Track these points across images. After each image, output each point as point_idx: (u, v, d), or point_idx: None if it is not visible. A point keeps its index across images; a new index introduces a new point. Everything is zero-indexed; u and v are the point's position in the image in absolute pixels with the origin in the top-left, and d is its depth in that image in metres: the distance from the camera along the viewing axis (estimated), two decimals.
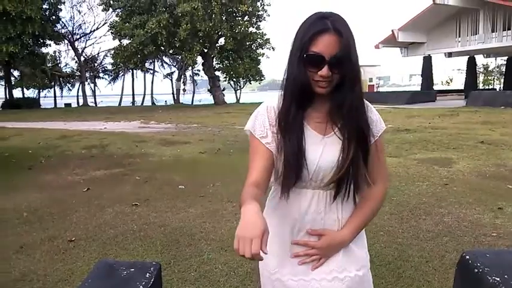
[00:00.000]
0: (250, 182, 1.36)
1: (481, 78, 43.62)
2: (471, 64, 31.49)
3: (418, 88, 33.71)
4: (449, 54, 31.42)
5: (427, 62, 30.49)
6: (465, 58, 31.72)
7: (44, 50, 35.84)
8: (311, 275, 1.46)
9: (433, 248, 3.71)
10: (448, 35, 28.65)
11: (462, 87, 32.49)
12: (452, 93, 32.53)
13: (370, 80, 34.40)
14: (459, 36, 28.16)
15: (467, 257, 1.21)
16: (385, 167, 1.56)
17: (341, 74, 1.30)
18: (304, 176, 1.40)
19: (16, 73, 39.08)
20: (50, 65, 41.16)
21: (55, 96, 44.04)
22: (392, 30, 28.90)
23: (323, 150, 1.40)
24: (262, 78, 35.46)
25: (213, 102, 33.34)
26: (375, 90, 33.84)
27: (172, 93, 44.82)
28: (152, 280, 1.29)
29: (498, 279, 1.05)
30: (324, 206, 1.45)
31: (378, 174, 1.50)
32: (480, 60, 37.10)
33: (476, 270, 1.13)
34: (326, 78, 1.29)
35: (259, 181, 1.37)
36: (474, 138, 9.68)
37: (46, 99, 43.78)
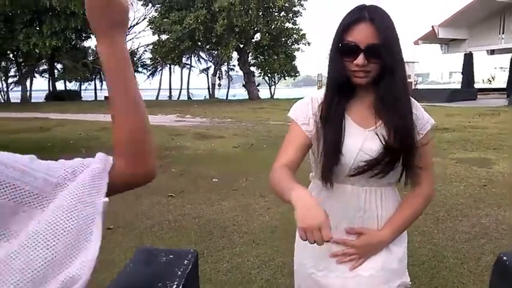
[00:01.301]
0: (283, 162, 1.35)
1: None
2: None
3: (458, 86, 32.64)
4: (492, 52, 30.21)
5: (468, 59, 29.44)
6: (509, 56, 30.42)
7: (85, 44, 36.95)
8: (348, 273, 1.44)
9: (469, 249, 3.63)
10: (492, 31, 27.55)
11: (504, 86, 31.22)
12: (494, 92, 31.31)
13: (409, 77, 33.63)
14: (503, 33, 27.01)
15: (505, 258, 1.20)
16: (430, 169, 1.50)
17: (379, 63, 1.29)
18: (342, 169, 1.38)
19: (59, 66, 40.46)
20: (91, 58, 42.39)
21: (95, 89, 45.30)
22: (432, 26, 28.05)
23: (363, 143, 1.37)
24: (297, 74, 35.30)
25: (247, 97, 33.46)
26: (413, 88, 33.02)
27: (208, 88, 45.20)
28: (190, 267, 1.35)
29: None
30: (363, 203, 1.43)
31: (423, 176, 1.46)
32: None
33: None
34: (362, 67, 1.29)
35: (291, 164, 1.35)
36: None
37: (87, 92, 45.11)
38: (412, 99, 1.43)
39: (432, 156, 1.51)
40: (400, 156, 1.37)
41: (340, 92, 1.37)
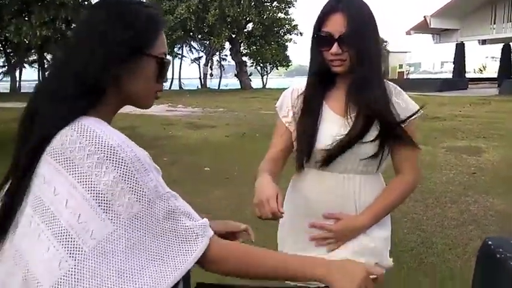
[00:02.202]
0: (268, 157, 1.49)
1: None
2: (506, 52, 30.29)
3: (450, 75, 32.78)
4: (483, 42, 30.35)
5: (460, 49, 29.54)
6: (500, 46, 30.58)
7: None
8: (324, 254, 1.44)
9: (457, 236, 3.69)
10: (483, 21, 27.64)
11: (495, 76, 31.41)
12: (485, 82, 31.49)
13: (400, 66, 33.59)
14: (494, 23, 27.13)
15: (490, 242, 1.21)
16: (414, 158, 1.51)
17: (353, 52, 1.33)
18: (317, 155, 1.42)
19: (49, 57, 39.99)
20: None
21: None
22: (424, 17, 28.08)
23: (338, 130, 1.40)
24: (289, 63, 35.23)
25: (239, 87, 33.36)
26: (405, 77, 33.07)
27: (200, 78, 44.98)
28: None
29: None
30: (341, 189, 1.45)
31: (405, 164, 1.47)
32: None
33: (498, 256, 1.13)
34: (337, 56, 1.33)
35: (275, 157, 1.49)
36: (505, 128, 9.42)
37: None
38: (398, 88, 1.46)
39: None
40: (371, 141, 1.39)
41: (319, 81, 1.43)
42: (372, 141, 1.38)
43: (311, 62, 1.44)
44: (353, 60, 1.34)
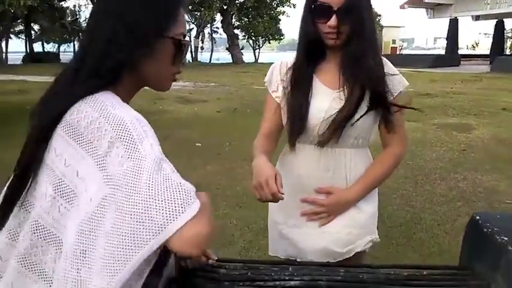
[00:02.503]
0: (261, 133, 1.48)
1: (508, 43, 41.96)
2: (499, 28, 30.23)
3: (443, 52, 32.71)
4: (477, 18, 30.18)
5: (454, 24, 29.38)
6: (493, 22, 30.46)
7: (63, 4, 35.64)
8: (316, 229, 1.47)
9: (445, 212, 3.74)
10: None
11: (488, 52, 31.42)
12: (477, 58, 31.54)
13: (393, 41, 33.47)
14: None
15: (478, 217, 1.23)
16: (402, 130, 1.51)
17: (350, 25, 1.30)
18: (309, 130, 1.40)
19: (36, 27, 39.11)
20: (69, 19, 41.03)
21: (75, 51, 43.80)
22: None
23: (330, 104, 1.39)
24: (282, 37, 34.87)
25: (231, 61, 33.04)
26: (398, 53, 32.96)
27: (190, 51, 44.41)
28: None
29: (506, 239, 1.07)
30: (332, 163, 1.45)
31: (394, 136, 1.47)
32: (509, 24, 35.65)
33: (485, 230, 1.15)
34: (334, 29, 1.29)
35: (268, 133, 1.47)
36: (496, 105, 9.48)
37: (66, 54, 43.96)
38: (385, 60, 1.44)
39: (404, 117, 1.52)
40: (364, 114, 1.38)
41: (310, 54, 1.40)
42: (364, 114, 1.38)
43: (302, 33, 1.40)
44: (348, 34, 1.31)
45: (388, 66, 1.44)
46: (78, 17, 43.54)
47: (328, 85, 1.41)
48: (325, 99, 1.39)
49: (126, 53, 0.87)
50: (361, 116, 1.37)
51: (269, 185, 1.16)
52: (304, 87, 1.40)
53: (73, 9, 42.25)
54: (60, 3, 34.08)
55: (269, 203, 1.60)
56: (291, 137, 1.44)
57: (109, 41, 0.86)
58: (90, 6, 41.51)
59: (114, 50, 0.86)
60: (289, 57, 1.48)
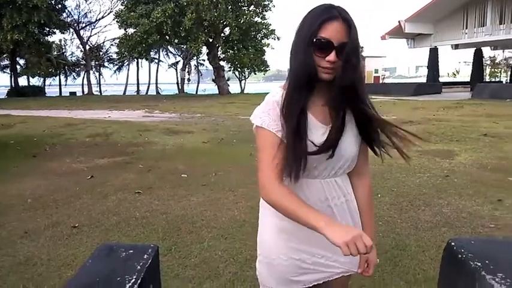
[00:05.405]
0: (276, 177, 1.37)
1: (487, 70, 43.17)
2: (478, 56, 31.18)
3: (424, 80, 33.47)
4: (456, 46, 31.09)
5: (434, 53, 30.23)
6: (472, 50, 31.41)
7: (49, 38, 35.83)
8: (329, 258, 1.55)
9: (430, 238, 3.75)
10: (455, 26, 28.36)
11: (468, 80, 32.23)
12: (458, 86, 32.30)
13: (376, 71, 34.16)
14: (466, 28, 27.85)
15: (453, 243, 1.24)
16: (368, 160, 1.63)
17: (345, 61, 1.33)
18: (309, 164, 1.42)
19: (22, 62, 39.16)
20: (55, 53, 41.24)
21: (60, 85, 44.11)
22: (399, 21, 28.62)
23: (323, 138, 1.41)
24: (267, 68, 35.31)
25: (217, 92, 33.30)
26: (381, 82, 33.61)
27: (177, 83, 44.72)
28: (150, 261, 1.34)
29: (479, 264, 1.08)
30: (334, 192, 1.51)
31: (366, 166, 1.59)
32: (487, 52, 36.77)
33: (460, 256, 1.16)
34: (332, 64, 1.33)
35: (281, 174, 1.38)
36: (478, 131, 9.66)
37: (51, 88, 43.89)
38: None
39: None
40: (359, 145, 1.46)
41: (303, 87, 1.39)
42: (352, 142, 1.46)
43: (300, 66, 1.38)
44: (340, 69, 1.35)
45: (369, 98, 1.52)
46: (64, 51, 43.84)
47: (321, 120, 1.44)
48: (320, 136, 1.41)
49: None
50: (348, 146, 1.46)
51: (366, 239, 1.14)
52: (300, 121, 1.39)
53: (59, 43, 42.62)
54: (46, 38, 34.23)
55: (266, 232, 1.61)
56: (295, 173, 1.40)
57: None
58: (76, 40, 41.95)
59: None
60: (277, 96, 1.45)
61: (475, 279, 1.05)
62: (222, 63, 33.71)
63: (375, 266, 1.63)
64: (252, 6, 30.76)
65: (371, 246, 1.13)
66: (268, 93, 1.52)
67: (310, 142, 1.39)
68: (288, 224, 1.47)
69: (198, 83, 46.49)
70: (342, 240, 1.13)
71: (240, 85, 41.52)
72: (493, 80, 41.25)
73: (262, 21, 31.53)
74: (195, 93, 40.58)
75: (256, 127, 1.44)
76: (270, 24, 31.74)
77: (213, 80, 34.79)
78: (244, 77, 41.02)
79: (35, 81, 42.39)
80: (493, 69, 46.18)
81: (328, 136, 1.40)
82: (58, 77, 43.86)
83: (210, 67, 34.85)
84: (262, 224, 1.61)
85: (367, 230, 1.56)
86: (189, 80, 43.47)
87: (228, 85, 34.01)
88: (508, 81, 33.13)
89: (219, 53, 33.12)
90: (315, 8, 1.37)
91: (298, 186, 1.44)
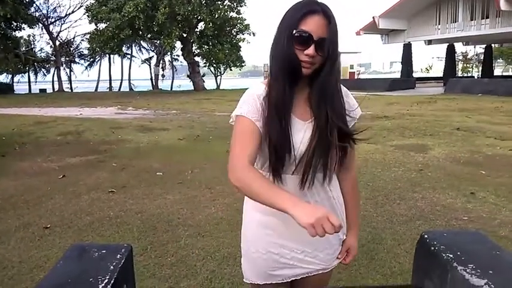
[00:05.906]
0: (248, 160, 1.33)
1: (460, 66, 44.25)
2: (450, 52, 31.91)
3: (399, 75, 34.05)
4: (429, 42, 31.74)
5: (407, 49, 30.78)
6: (445, 46, 32.11)
7: (17, 33, 34.80)
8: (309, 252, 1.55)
9: (405, 231, 3.80)
10: (428, 22, 28.94)
11: (441, 75, 32.94)
12: (431, 81, 32.99)
13: (351, 67, 34.52)
14: (439, 24, 28.46)
15: (426, 236, 1.26)
16: (354, 154, 1.61)
17: (324, 57, 1.33)
18: (290, 161, 1.41)
19: None
20: (23, 49, 40.10)
21: (29, 82, 43.00)
22: (373, 17, 29.01)
23: (303, 135, 1.41)
24: (243, 64, 35.26)
25: (192, 88, 33.06)
26: (356, 78, 34.01)
27: (151, 79, 44.22)
28: (123, 261, 1.30)
29: (451, 256, 1.10)
30: (314, 189, 1.48)
31: (352, 161, 1.57)
32: (459, 48, 37.65)
33: (432, 248, 1.18)
34: (310, 58, 1.32)
35: (252, 159, 1.35)
36: (450, 125, 9.89)
37: (20, 85, 42.73)
38: (344, 88, 1.49)
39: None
40: (334, 143, 1.41)
41: (290, 80, 1.37)
42: (335, 144, 1.43)
43: (282, 59, 1.36)
44: (319, 65, 1.34)
45: (348, 94, 1.50)
46: (33, 46, 42.67)
47: (300, 117, 1.42)
48: (300, 132, 1.41)
49: None
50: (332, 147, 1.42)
51: (333, 219, 1.08)
52: (285, 119, 1.38)
53: (27, 38, 41.45)
54: (14, 33, 33.22)
55: (249, 227, 1.60)
56: (278, 170, 1.42)
57: None
58: (46, 35, 40.90)
59: None
60: (260, 89, 1.43)
61: (447, 270, 1.07)
62: (196, 58, 33.47)
63: (354, 257, 1.66)
64: (227, 1, 30.64)
65: (339, 226, 1.08)
66: (247, 88, 1.51)
67: (295, 141, 1.40)
68: (269, 219, 1.49)
69: (173, 79, 46.06)
70: (308, 221, 1.07)
71: (216, 81, 41.35)
72: (465, 75, 42.32)
73: (237, 16, 31.46)
74: (169, 89, 40.20)
75: (236, 116, 1.41)
76: (245, 19, 31.71)
77: (188, 76, 34.50)
78: (220, 72, 40.87)
79: (3, 78, 41.22)
80: (465, 65, 47.40)
81: (312, 134, 1.40)
82: (27, 73, 42.74)
83: (185, 63, 34.54)
84: (244, 218, 1.61)
85: (351, 223, 1.62)
86: (163, 76, 43.03)
87: (204, 81, 33.83)
88: (480, 76, 34.05)
89: (193, 48, 32.87)
90: (298, 2, 1.36)
91: (276, 182, 1.43)
